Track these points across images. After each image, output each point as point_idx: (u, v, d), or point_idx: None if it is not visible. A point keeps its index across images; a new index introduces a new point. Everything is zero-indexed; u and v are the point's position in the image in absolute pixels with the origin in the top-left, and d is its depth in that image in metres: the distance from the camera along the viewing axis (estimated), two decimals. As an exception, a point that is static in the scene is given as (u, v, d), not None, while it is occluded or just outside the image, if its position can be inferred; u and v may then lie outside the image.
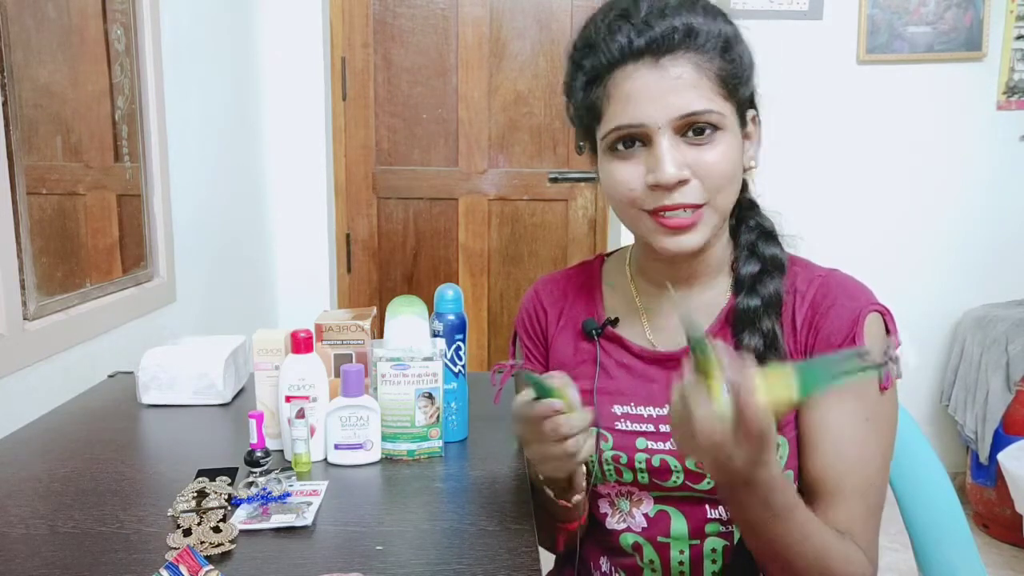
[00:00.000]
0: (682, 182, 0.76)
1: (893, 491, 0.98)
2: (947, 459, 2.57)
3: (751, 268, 0.84)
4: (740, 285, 0.84)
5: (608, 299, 0.93)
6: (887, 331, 0.81)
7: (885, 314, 0.81)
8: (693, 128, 0.76)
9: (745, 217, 0.87)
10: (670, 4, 0.76)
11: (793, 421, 0.81)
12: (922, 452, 0.97)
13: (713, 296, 0.86)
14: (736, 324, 0.82)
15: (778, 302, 0.81)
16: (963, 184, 2.53)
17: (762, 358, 0.79)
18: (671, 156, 0.75)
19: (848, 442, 0.78)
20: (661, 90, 0.75)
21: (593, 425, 0.86)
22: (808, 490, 0.80)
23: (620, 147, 0.78)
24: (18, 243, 1.09)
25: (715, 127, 0.76)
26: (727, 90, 0.77)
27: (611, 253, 0.98)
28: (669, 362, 0.85)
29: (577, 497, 0.82)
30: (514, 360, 0.96)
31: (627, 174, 0.78)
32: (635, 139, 0.77)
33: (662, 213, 0.77)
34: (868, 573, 0.77)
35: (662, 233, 0.78)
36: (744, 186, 0.86)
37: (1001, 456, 1.92)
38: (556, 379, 0.72)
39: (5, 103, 1.07)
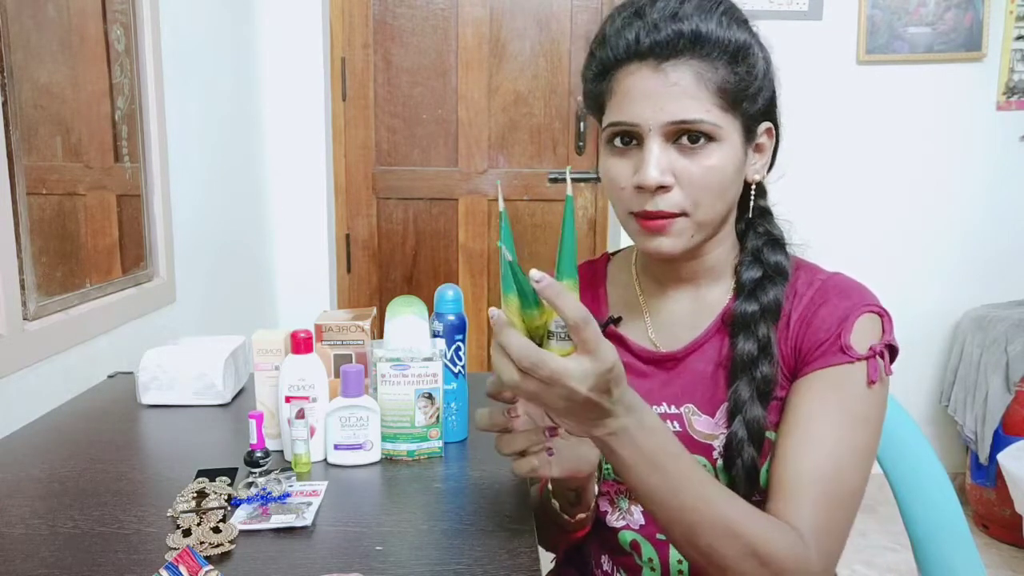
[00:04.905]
0: (664, 188, 0.76)
1: (893, 491, 0.98)
2: (947, 459, 2.57)
3: (753, 273, 0.83)
4: (741, 289, 0.83)
5: (612, 297, 0.93)
6: (883, 333, 0.79)
7: (883, 316, 0.80)
8: (688, 135, 0.76)
9: (755, 223, 0.87)
10: (685, 8, 0.75)
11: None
12: (922, 452, 0.97)
13: (716, 297, 0.86)
14: (732, 327, 0.82)
15: (777, 309, 0.81)
16: (963, 184, 2.53)
17: (755, 363, 0.79)
18: (656, 160, 0.75)
19: (816, 430, 0.74)
20: (658, 94, 0.75)
21: None
22: (771, 477, 0.76)
23: (617, 143, 0.79)
24: (18, 243, 1.09)
25: (709, 137, 0.76)
26: (729, 102, 0.76)
27: (616, 252, 0.98)
28: (669, 362, 0.85)
29: (581, 515, 0.82)
30: None
31: (619, 171, 0.79)
32: (631, 136, 0.78)
33: (643, 216, 0.78)
34: (806, 560, 0.68)
35: (641, 235, 0.80)
36: (761, 193, 0.87)
37: (1001, 456, 1.92)
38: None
39: (5, 103, 1.07)
